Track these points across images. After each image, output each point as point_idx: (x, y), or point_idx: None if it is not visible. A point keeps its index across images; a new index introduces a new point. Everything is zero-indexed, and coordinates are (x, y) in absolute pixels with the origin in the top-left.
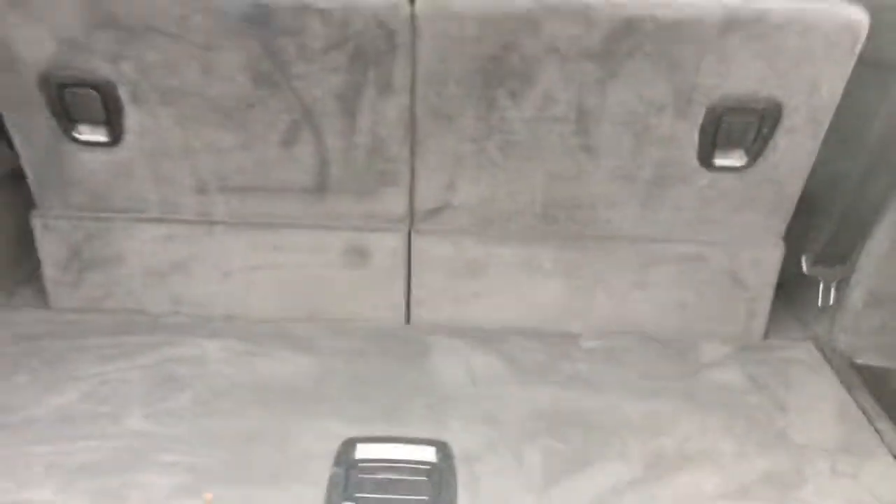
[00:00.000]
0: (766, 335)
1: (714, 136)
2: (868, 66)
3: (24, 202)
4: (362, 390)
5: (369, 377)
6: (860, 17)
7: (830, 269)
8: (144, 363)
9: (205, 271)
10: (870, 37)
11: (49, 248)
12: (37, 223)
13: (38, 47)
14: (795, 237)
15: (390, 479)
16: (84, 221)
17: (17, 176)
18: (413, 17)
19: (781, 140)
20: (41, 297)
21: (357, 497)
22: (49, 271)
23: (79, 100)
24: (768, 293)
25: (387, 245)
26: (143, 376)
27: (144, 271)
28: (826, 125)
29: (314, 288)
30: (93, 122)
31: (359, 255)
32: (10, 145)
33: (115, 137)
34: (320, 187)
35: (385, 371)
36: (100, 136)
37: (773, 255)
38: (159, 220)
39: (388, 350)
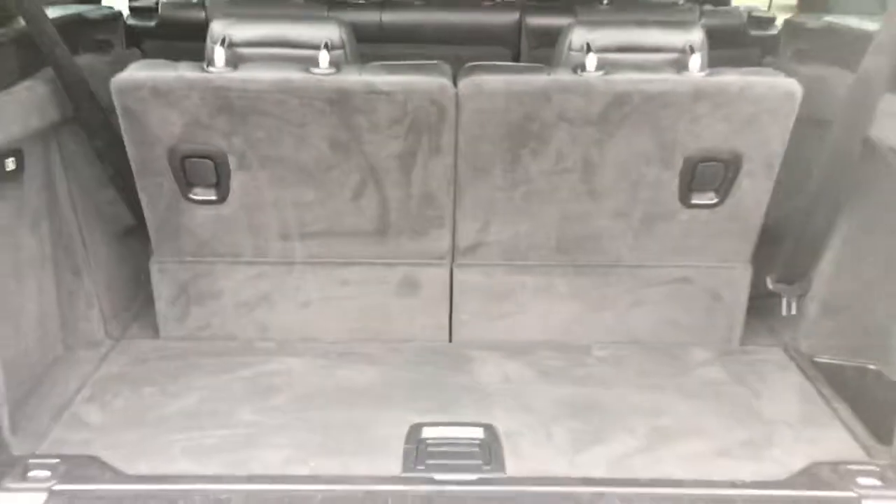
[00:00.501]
0: (743, 342)
1: (691, 181)
2: (807, 123)
3: (142, 251)
4: (421, 391)
5: (425, 381)
6: (795, 88)
7: (790, 286)
8: (244, 376)
9: (286, 303)
10: (807, 101)
11: (162, 288)
12: (154, 268)
13: (169, 128)
14: (762, 260)
15: (450, 451)
16: (191, 265)
17: (135, 230)
18: (457, 95)
19: (743, 182)
20: (152, 329)
21: (427, 463)
22: (161, 307)
23: (196, 168)
24: (742, 307)
25: (433, 277)
26: (244, 386)
27: (237, 305)
28: (776, 169)
29: (375, 314)
30: (206, 184)
31: (411, 286)
32: (131, 206)
33: (223, 196)
34: (381, 231)
35: (437, 377)
36: (210, 195)
37: (743, 276)
38: (250, 263)
39: (438, 362)
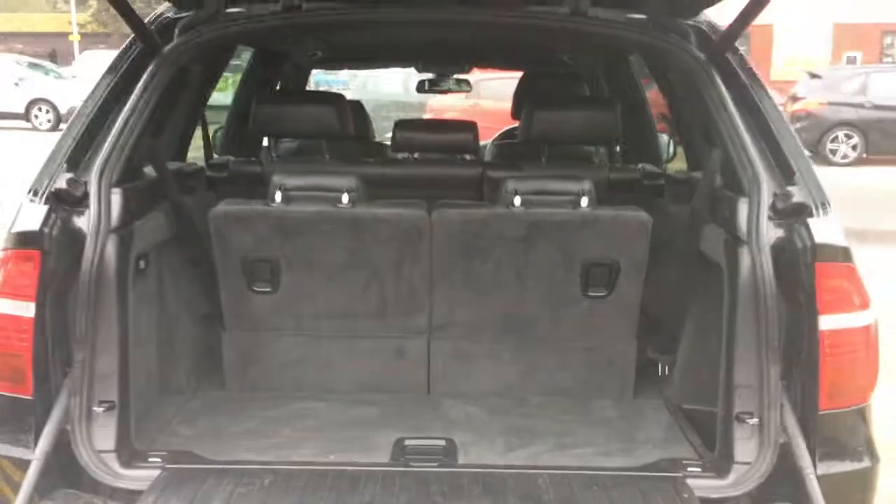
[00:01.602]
0: (634, 395)
1: (587, 280)
2: (670, 243)
3: (216, 327)
4: (406, 421)
5: (409, 416)
6: (646, 219)
7: (664, 356)
8: (285, 411)
9: (315, 364)
10: (674, 227)
11: (229, 353)
12: (224, 338)
13: (244, 242)
14: (643, 336)
15: (422, 451)
16: (251, 337)
17: (212, 313)
18: (431, 222)
19: (622, 281)
20: (221, 382)
21: (406, 457)
22: (228, 366)
23: (258, 269)
24: (631, 370)
25: (416, 346)
26: (285, 417)
27: (281, 365)
28: (643, 273)
29: (376, 372)
30: (263, 280)
31: (401, 353)
32: (211, 296)
33: (275, 288)
34: (381, 314)
35: (417, 413)
36: (266, 288)
37: (630, 348)
38: (292, 335)
39: (419, 404)
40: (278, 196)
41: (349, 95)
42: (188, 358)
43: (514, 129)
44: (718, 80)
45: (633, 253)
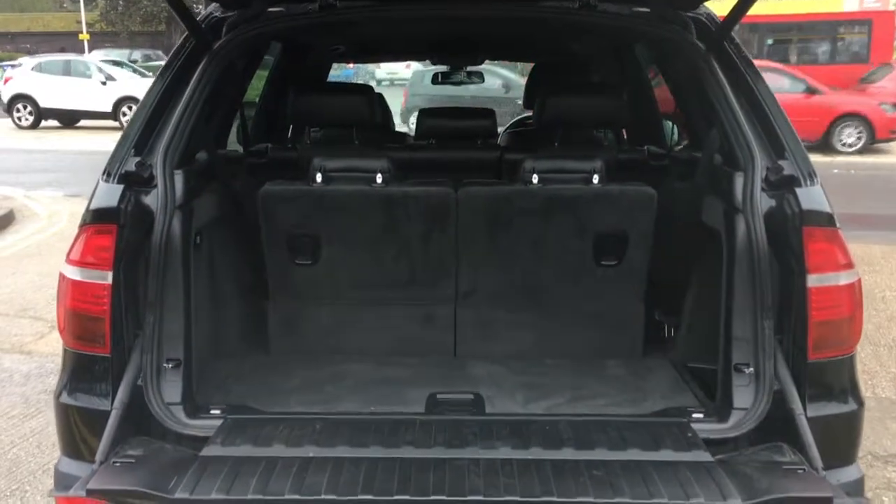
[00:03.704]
0: (643, 355)
1: (600, 249)
2: (664, 217)
3: (261, 296)
4: (435, 382)
5: (438, 376)
6: (652, 193)
7: (669, 317)
8: (326, 371)
9: (352, 330)
10: (677, 202)
11: (274, 320)
12: (269, 306)
13: (289, 218)
14: (650, 300)
15: (452, 404)
16: (294, 305)
17: (258, 283)
18: (457, 198)
19: (630, 250)
20: (266, 347)
21: (439, 408)
22: (272, 332)
23: (301, 243)
24: (640, 332)
25: (444, 313)
26: (327, 375)
27: (322, 330)
28: (650, 242)
29: (407, 337)
30: (305, 253)
31: (429, 319)
32: (256, 268)
33: (315, 261)
34: (410, 283)
35: (446, 374)
36: (308, 261)
37: (639, 311)
38: (331, 304)
39: (447, 366)
40: (319, 177)
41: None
42: (237, 325)
43: (526, 118)
44: (717, 67)
45: (640, 224)
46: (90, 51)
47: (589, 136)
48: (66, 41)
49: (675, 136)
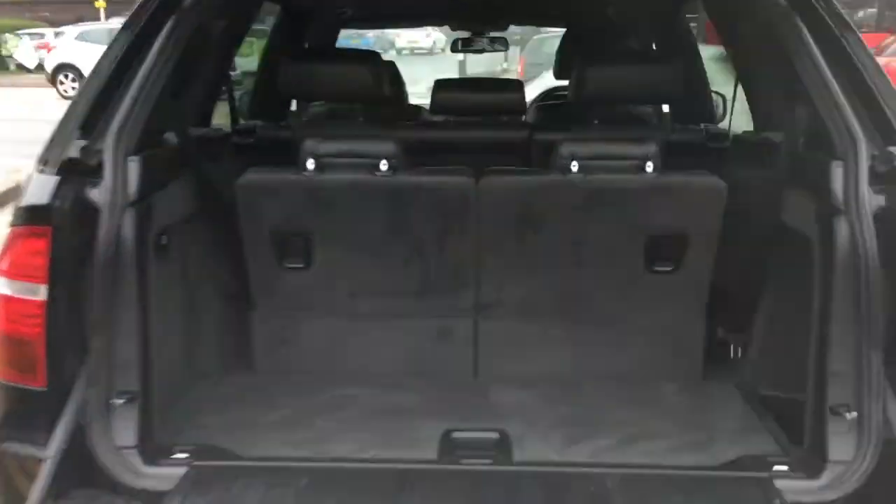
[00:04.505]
0: (702, 378)
1: (652, 252)
2: (743, 211)
3: (244, 306)
4: (453, 412)
5: (456, 404)
6: (721, 186)
7: (736, 335)
8: (320, 398)
9: (353, 346)
10: (745, 195)
11: (258, 334)
12: (254, 318)
13: (275, 214)
14: (713, 314)
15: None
16: (282, 316)
17: (240, 290)
18: (478, 191)
19: (690, 254)
20: (250, 365)
21: (455, 454)
22: (257, 348)
23: (290, 243)
24: (700, 351)
25: (462, 327)
26: (321, 404)
27: (315, 347)
28: (715, 244)
29: (419, 355)
30: (295, 255)
31: (446, 333)
32: (238, 273)
33: (307, 264)
34: (423, 291)
35: (465, 401)
36: (299, 263)
37: (700, 327)
38: (327, 314)
39: (466, 391)
40: (311, 163)
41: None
42: (216, 340)
43: (555, 89)
44: (804, 29)
45: (704, 223)
46: (107, 18)
47: (631, 113)
48: (83, 9)
49: (723, 111)
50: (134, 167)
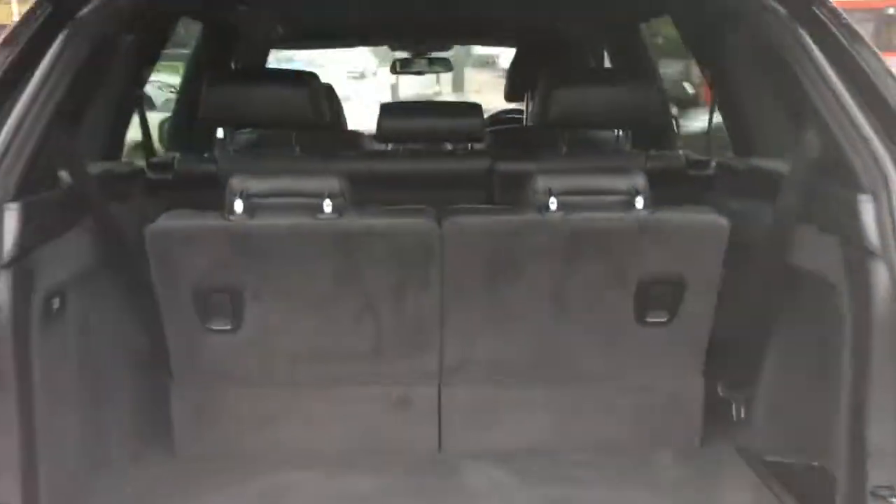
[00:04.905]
0: (701, 443)
1: (644, 302)
2: (740, 250)
3: (162, 378)
4: (415, 498)
5: (419, 488)
6: (723, 224)
7: (738, 392)
8: (255, 489)
9: (293, 421)
10: (739, 231)
11: (179, 411)
12: (174, 392)
13: (194, 268)
14: (713, 370)
15: None
16: (207, 388)
17: (157, 359)
18: (442, 235)
19: (689, 301)
20: (169, 449)
21: None
22: (178, 428)
23: (215, 301)
24: (698, 412)
25: (424, 394)
26: (255, 499)
27: (248, 424)
28: (716, 289)
29: (373, 429)
30: (222, 315)
31: (404, 402)
32: (154, 337)
33: (237, 326)
34: (377, 354)
35: (429, 484)
36: (226, 325)
37: (697, 384)
38: (261, 385)
39: (430, 470)
40: (239, 205)
41: None
42: (127, 420)
43: (505, 112)
44: (809, 41)
45: (703, 266)
46: None
47: (595, 139)
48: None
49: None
50: (12, 217)
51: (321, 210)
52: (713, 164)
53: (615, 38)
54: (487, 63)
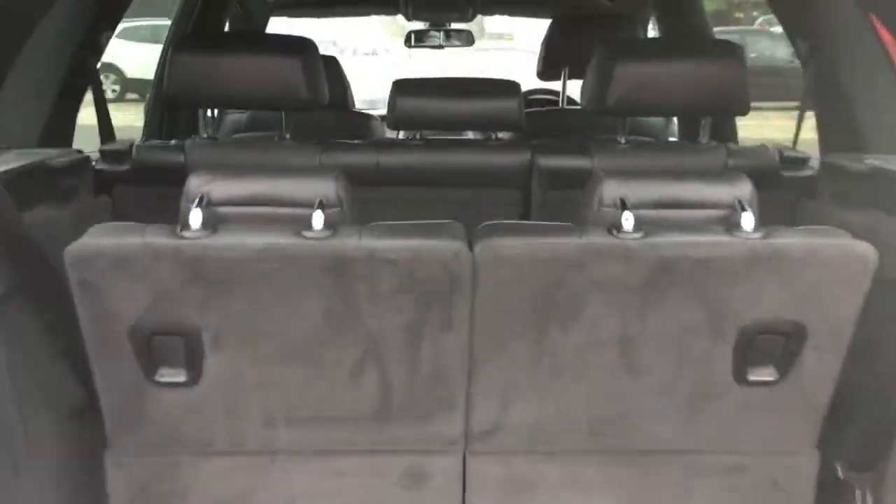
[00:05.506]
0: None
1: (746, 355)
2: (881, 284)
3: (95, 440)
4: None
5: None
6: (870, 254)
7: (864, 474)
8: None
9: (267, 501)
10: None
11: (117, 487)
12: (109, 462)
13: (133, 302)
14: (831, 445)
15: None
16: (155, 458)
17: (88, 415)
18: (473, 261)
19: (807, 357)
20: None
21: None
22: None
23: (164, 346)
24: (809, 500)
25: (443, 467)
26: None
27: (210, 503)
28: (847, 341)
29: None
30: (174, 365)
31: (416, 478)
32: (85, 386)
33: (194, 378)
34: (382, 415)
35: None
36: (179, 377)
37: (809, 463)
38: (226, 454)
39: None
40: (195, 217)
41: None
42: (49, 496)
43: (531, 92)
44: None
45: (834, 310)
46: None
47: (657, 124)
48: None
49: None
50: None
51: (309, 225)
52: (813, 162)
53: (669, 6)
54: (503, 38)
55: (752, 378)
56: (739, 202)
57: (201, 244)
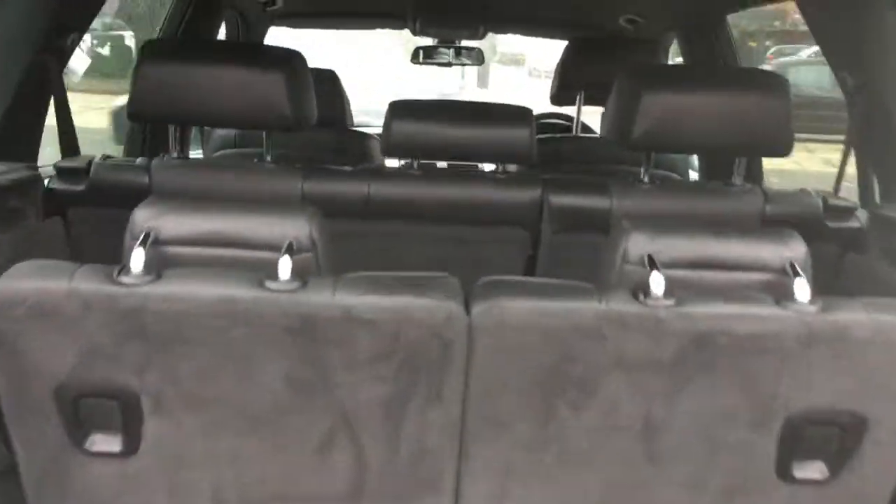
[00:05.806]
0: None
1: (793, 448)
2: None
3: None
4: None
5: None
6: None
7: None
8: None
9: None
10: None
11: None
12: None
13: (58, 358)
14: None
15: None
16: None
17: (9, 484)
18: (470, 326)
19: (866, 453)
20: None
21: None
22: None
23: (95, 410)
24: None
25: None
26: None
27: None
28: None
29: None
30: (107, 431)
31: None
32: (7, 444)
33: (132, 448)
34: (354, 496)
35: None
36: (114, 446)
37: None
38: None
39: None
40: (137, 259)
41: None
42: None
43: (546, 115)
44: None
45: None
46: None
47: (669, 159)
48: None
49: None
50: None
51: (274, 273)
52: (860, 213)
53: (695, 31)
54: (516, 61)
55: (798, 475)
56: (792, 265)
57: (141, 293)
